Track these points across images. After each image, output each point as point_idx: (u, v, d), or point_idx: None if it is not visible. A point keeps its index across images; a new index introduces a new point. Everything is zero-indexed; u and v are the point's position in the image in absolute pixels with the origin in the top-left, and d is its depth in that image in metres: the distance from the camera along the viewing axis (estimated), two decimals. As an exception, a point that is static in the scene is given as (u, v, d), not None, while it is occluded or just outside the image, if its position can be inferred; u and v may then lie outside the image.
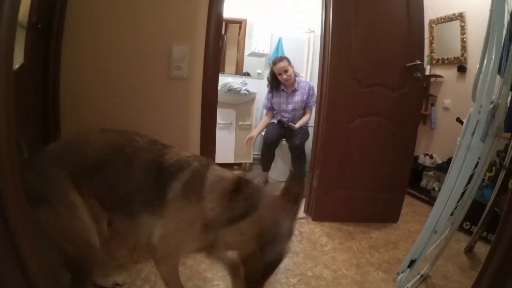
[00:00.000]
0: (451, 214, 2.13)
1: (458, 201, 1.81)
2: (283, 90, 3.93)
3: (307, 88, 3.86)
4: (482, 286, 1.40)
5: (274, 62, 3.86)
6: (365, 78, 2.77)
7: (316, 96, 3.23)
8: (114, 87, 2.25)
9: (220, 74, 4.56)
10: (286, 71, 3.73)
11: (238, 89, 4.17)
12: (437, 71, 4.12)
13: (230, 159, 4.48)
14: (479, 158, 2.07)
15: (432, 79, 4.16)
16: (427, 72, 4.14)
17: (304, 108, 3.94)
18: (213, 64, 2.39)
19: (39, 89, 2.06)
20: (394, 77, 2.80)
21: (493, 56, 1.43)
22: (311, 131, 3.49)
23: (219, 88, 3.99)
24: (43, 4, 1.93)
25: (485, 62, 1.46)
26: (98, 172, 1.42)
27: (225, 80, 4.25)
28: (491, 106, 1.57)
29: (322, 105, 2.85)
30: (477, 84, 1.58)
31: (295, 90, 3.88)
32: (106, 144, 1.47)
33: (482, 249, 2.70)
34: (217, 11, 2.30)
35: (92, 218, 1.44)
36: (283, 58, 3.83)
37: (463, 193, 1.97)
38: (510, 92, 1.89)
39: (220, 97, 4.09)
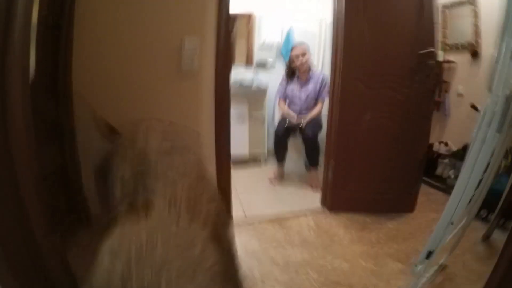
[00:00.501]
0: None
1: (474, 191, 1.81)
2: (298, 77, 3.90)
3: (320, 79, 3.82)
4: (499, 274, 1.40)
5: (294, 45, 3.88)
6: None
7: (328, 87, 3.23)
8: (126, 81, 2.23)
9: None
10: (304, 54, 3.71)
11: (250, 82, 4.23)
12: (450, 56, 4.04)
13: (245, 151, 4.47)
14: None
15: (445, 65, 4.08)
16: (440, 58, 4.05)
17: (317, 99, 3.88)
18: (225, 56, 2.36)
19: (51, 86, 2.04)
20: (406, 66, 2.75)
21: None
22: (325, 121, 3.42)
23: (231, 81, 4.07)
24: (52, 0, 1.90)
25: (503, 51, 1.42)
26: None
27: (237, 76, 4.27)
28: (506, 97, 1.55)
29: (335, 97, 2.85)
30: (494, 75, 1.55)
31: (309, 79, 3.84)
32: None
33: (499, 237, 2.66)
34: (226, 4, 2.28)
35: None
36: (303, 43, 3.85)
37: (479, 183, 1.98)
38: None
39: (232, 90, 4.14)
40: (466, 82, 3.86)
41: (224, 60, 2.36)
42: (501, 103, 1.45)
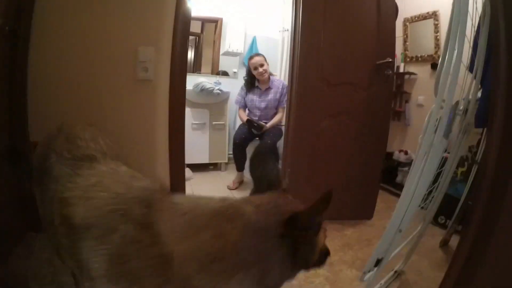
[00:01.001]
0: (422, 207, 2.11)
1: (428, 194, 1.77)
2: (257, 87, 3.84)
3: (280, 87, 3.76)
4: (452, 277, 1.36)
5: (251, 57, 3.76)
6: (334, 77, 2.71)
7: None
8: (81, 89, 2.17)
9: (195, 74, 4.52)
10: (262, 65, 3.64)
11: (211, 89, 4.07)
12: (411, 68, 4.12)
13: (205, 160, 4.42)
14: (448, 152, 2.05)
15: (406, 76, 4.15)
16: (401, 70, 4.13)
17: (277, 107, 3.84)
18: (180, 65, 2.32)
19: (6, 91, 1.98)
20: (364, 75, 2.75)
21: (456, 49, 1.37)
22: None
23: (191, 88, 3.98)
24: (11, 8, 1.85)
25: (446, 56, 1.39)
26: None
27: (198, 80, 4.16)
28: (454, 102, 1.52)
29: (292, 105, 2.77)
30: (439, 79, 1.52)
31: (269, 88, 3.78)
32: None
33: (457, 243, 2.65)
34: (184, 12, 2.23)
35: None
36: (259, 54, 3.77)
37: (431, 191, 1.95)
38: (480, 88, 1.86)
39: (193, 97, 4.06)
40: (426, 93, 3.93)
41: (179, 69, 2.33)
42: (447, 107, 1.41)
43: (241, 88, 4.03)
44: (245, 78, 3.95)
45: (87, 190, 0.99)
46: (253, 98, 3.84)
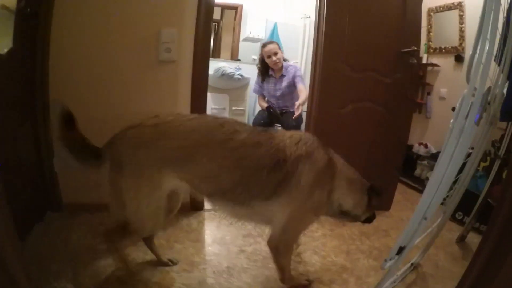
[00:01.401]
0: (442, 203, 2.01)
1: (450, 189, 1.68)
2: (271, 75, 3.67)
3: (293, 71, 3.56)
4: (473, 274, 1.27)
5: (264, 45, 3.56)
6: (358, 63, 2.59)
7: (301, 73, 3.25)
8: (103, 71, 2.15)
9: (214, 59, 4.43)
10: (275, 53, 3.45)
11: (232, 73, 3.99)
12: (434, 60, 3.96)
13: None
14: (472, 148, 1.95)
15: (429, 68, 3.99)
16: (424, 61, 3.98)
17: (293, 91, 3.59)
18: (203, 47, 2.26)
19: (28, 73, 1.99)
20: (388, 63, 2.63)
21: (488, 37, 1.26)
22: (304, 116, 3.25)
23: (212, 72, 3.90)
24: None
25: (479, 44, 1.29)
26: (194, 163, 1.46)
27: (219, 64, 4.08)
28: (486, 88, 1.42)
29: (315, 90, 2.67)
30: (472, 66, 1.42)
31: (282, 76, 3.59)
32: (204, 137, 1.48)
33: (474, 240, 2.57)
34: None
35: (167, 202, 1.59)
36: (273, 41, 3.60)
37: (455, 181, 1.85)
38: (507, 81, 1.75)
39: (214, 82, 3.98)
40: (449, 86, 3.77)
41: (202, 51, 2.27)
42: (479, 93, 1.31)
43: (257, 76, 3.89)
44: (258, 66, 3.79)
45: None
46: (268, 87, 3.71)
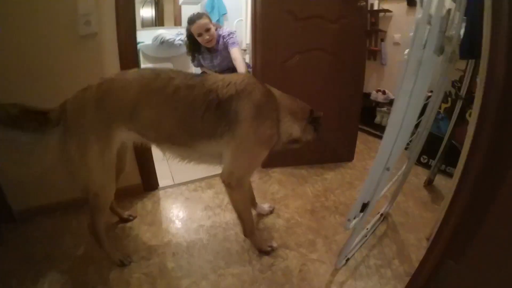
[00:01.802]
0: (406, 148, 1.85)
1: (412, 133, 1.50)
2: (204, 51, 3.04)
3: (223, 41, 2.90)
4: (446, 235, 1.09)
5: (192, 21, 2.79)
6: (300, 11, 2.31)
7: (232, 36, 2.78)
8: (19, 54, 1.80)
9: (154, 28, 4.05)
10: (208, 29, 2.75)
11: (172, 40, 3.60)
12: (386, 5, 3.73)
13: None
14: (431, 92, 1.78)
15: (381, 14, 3.78)
16: (376, 7, 3.75)
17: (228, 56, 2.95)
18: (127, 15, 1.95)
19: None
20: (333, 8, 2.35)
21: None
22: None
23: (150, 42, 3.55)
24: None
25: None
26: (138, 113, 1.47)
27: (157, 32, 3.73)
28: (444, 13, 1.20)
29: (257, 44, 2.41)
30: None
31: (215, 51, 2.95)
32: (143, 87, 1.49)
33: (442, 182, 2.51)
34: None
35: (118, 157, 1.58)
36: (202, 15, 2.82)
37: (417, 124, 1.68)
38: (464, 18, 1.61)
39: (154, 51, 3.68)
40: (402, 31, 3.60)
41: (127, 19, 1.97)
42: (437, 17, 1.10)
43: (191, 57, 3.25)
44: (186, 44, 3.10)
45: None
46: (205, 64, 3.14)
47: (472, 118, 1.37)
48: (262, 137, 1.56)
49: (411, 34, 1.18)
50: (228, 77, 1.58)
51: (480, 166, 0.94)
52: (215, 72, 3.04)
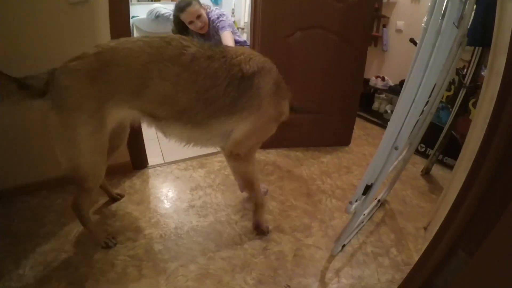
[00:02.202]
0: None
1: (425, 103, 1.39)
2: (195, 36, 2.77)
3: (214, 24, 2.64)
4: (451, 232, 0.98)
5: (181, 8, 2.54)
6: None
7: (222, 19, 2.51)
8: (6, 17, 1.65)
9: (150, 2, 3.84)
10: (199, 16, 2.51)
11: (168, 14, 3.34)
12: (390, -9, 3.61)
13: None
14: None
15: (385, 0, 3.64)
16: (379, -8, 3.62)
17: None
18: None
19: None
20: None
21: None
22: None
23: (145, 16, 3.36)
24: None
25: None
26: (146, 86, 1.30)
27: (152, 6, 3.52)
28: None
29: (257, 17, 2.27)
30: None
31: (208, 35, 2.74)
32: (153, 56, 1.29)
33: (439, 172, 2.43)
34: None
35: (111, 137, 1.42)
36: (192, 1, 2.52)
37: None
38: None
39: (149, 26, 3.48)
40: (406, 18, 3.48)
41: None
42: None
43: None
44: (173, 31, 2.82)
45: None
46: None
47: (483, 104, 1.27)
48: (278, 113, 1.55)
49: (431, 2, 1.06)
50: (247, 51, 1.49)
51: (502, 145, 0.83)
52: None
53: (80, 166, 1.35)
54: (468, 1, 1.18)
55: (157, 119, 1.42)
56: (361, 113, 3.48)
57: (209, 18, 2.59)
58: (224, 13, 2.61)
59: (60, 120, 1.25)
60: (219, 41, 2.57)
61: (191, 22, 2.52)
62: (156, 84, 1.30)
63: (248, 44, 2.63)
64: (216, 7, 2.89)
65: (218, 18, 2.53)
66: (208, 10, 2.65)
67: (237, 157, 1.52)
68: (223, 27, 2.50)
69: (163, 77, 1.30)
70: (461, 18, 1.13)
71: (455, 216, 0.93)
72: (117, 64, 1.27)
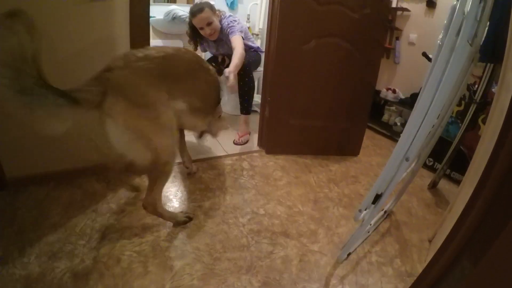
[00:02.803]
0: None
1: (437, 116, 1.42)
2: (208, 40, 2.91)
3: (226, 29, 2.73)
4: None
5: (193, 13, 2.65)
6: None
7: (233, 25, 2.64)
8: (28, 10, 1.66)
9: (167, 4, 3.87)
10: (209, 23, 2.63)
11: (184, 16, 3.35)
12: (405, 4, 3.64)
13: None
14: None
15: (399, 12, 3.68)
16: (394, 5, 3.65)
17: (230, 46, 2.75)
18: None
19: None
20: None
21: None
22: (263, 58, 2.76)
23: (162, 17, 3.39)
24: None
25: None
26: (186, 86, 1.69)
27: (169, 8, 3.51)
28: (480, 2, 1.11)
29: (273, 23, 2.31)
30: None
31: (220, 40, 2.85)
32: (193, 67, 1.78)
33: (446, 186, 2.45)
34: None
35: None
36: (204, 7, 2.62)
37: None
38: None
39: (165, 27, 3.51)
40: (419, 31, 3.49)
41: None
42: (472, 10, 1.02)
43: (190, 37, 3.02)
44: (188, 32, 2.92)
45: None
46: (211, 51, 3.07)
47: (492, 119, 1.30)
48: None
49: (447, 19, 1.11)
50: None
51: (508, 159, 0.86)
52: (222, 56, 3.00)
53: (163, 151, 1.52)
54: (482, 20, 1.21)
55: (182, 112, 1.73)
56: (370, 124, 3.49)
57: (221, 25, 2.70)
58: (237, 19, 2.72)
59: (139, 115, 1.41)
60: (229, 48, 2.68)
61: (201, 28, 2.65)
62: (189, 87, 1.71)
63: (263, 50, 2.69)
64: (230, 13, 2.94)
65: (229, 24, 2.66)
66: (222, 16, 2.76)
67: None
68: (232, 32, 2.63)
69: (194, 84, 1.75)
70: (475, 36, 1.16)
71: (461, 227, 0.96)
72: (176, 67, 1.63)
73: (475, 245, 0.96)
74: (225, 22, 2.71)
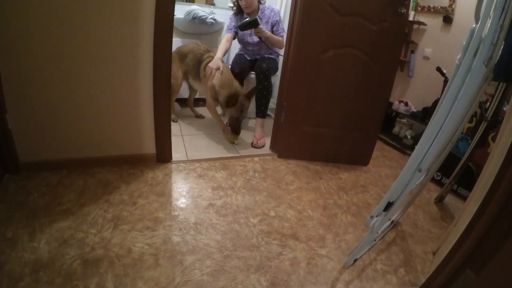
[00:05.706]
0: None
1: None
2: (246, 18, 3.06)
3: (271, 16, 3.09)
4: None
5: None
6: (344, 6, 2.29)
7: (281, 22, 2.92)
8: (47, 15, 1.75)
9: (187, 3, 3.97)
10: None
11: (204, 17, 3.49)
12: (422, 18, 3.71)
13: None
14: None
15: (415, 26, 3.75)
16: (410, 18, 3.73)
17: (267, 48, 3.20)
18: None
19: None
20: (376, 9, 2.34)
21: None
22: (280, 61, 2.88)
23: (182, 16, 3.49)
24: None
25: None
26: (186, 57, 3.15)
27: (190, 7, 3.59)
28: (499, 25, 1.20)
29: (293, 31, 2.40)
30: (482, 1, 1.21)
31: (253, 14, 3.07)
32: (191, 48, 3.16)
33: (452, 201, 2.51)
34: None
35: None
36: None
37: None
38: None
39: (184, 27, 3.60)
40: (434, 46, 3.56)
41: None
42: (492, 29, 1.10)
43: (230, 18, 3.30)
44: (235, 3, 3.23)
45: None
46: (244, 32, 3.21)
47: (502, 137, 1.38)
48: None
49: (465, 40, 1.19)
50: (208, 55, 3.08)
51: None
52: (251, 43, 3.27)
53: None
54: (498, 44, 1.29)
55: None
56: (381, 135, 3.57)
57: (264, 8, 3.12)
58: (280, 15, 3.16)
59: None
60: (263, 47, 3.21)
61: None
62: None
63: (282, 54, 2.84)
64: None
65: (278, 22, 3.09)
66: (263, 1, 3.19)
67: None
68: (280, 33, 3.11)
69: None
70: (490, 58, 1.24)
71: (465, 239, 1.04)
72: (186, 55, 3.13)
73: (478, 255, 1.04)
74: (268, 10, 3.12)
